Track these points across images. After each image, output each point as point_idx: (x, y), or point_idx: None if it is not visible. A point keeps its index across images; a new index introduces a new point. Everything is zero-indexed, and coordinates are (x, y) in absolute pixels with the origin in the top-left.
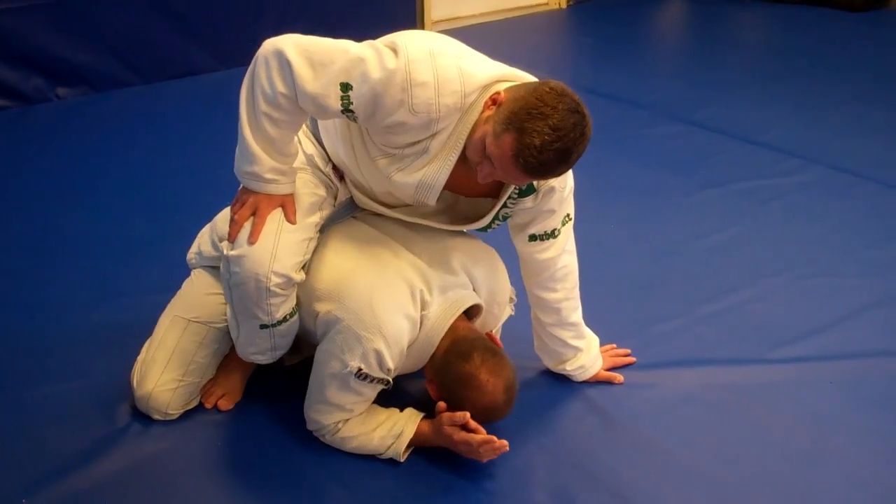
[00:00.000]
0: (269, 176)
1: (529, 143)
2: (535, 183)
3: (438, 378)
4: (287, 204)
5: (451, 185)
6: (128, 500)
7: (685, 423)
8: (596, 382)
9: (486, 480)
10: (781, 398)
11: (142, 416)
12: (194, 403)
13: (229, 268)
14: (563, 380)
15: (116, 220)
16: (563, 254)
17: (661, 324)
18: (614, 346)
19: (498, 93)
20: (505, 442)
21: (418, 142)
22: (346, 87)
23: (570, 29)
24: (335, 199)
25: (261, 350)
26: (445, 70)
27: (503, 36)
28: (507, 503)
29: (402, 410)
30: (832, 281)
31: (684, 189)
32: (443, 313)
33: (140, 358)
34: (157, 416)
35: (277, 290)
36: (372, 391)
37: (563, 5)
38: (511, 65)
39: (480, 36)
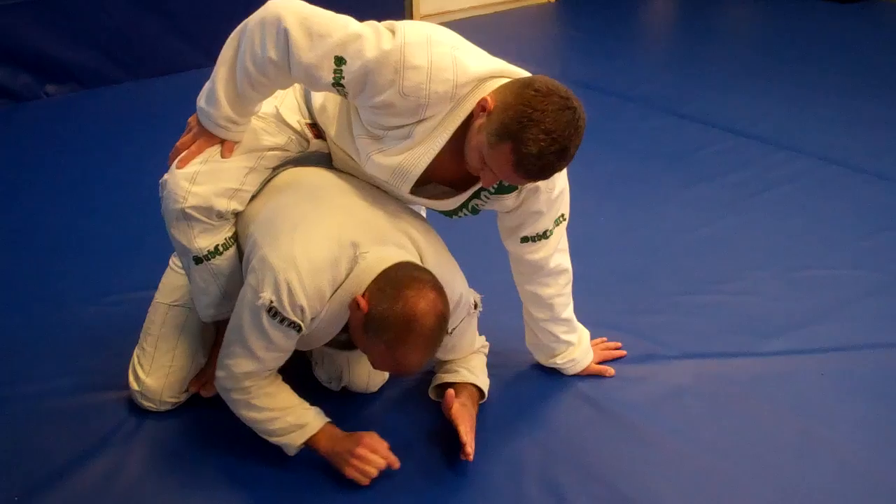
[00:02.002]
0: (221, 122)
1: (527, 152)
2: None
3: (378, 283)
4: (227, 142)
5: (429, 173)
6: (120, 498)
7: (676, 416)
8: (587, 376)
9: (477, 474)
10: (772, 390)
11: (134, 414)
12: (185, 396)
13: (160, 195)
14: (554, 373)
15: (105, 217)
16: (555, 253)
17: (651, 316)
18: (605, 339)
19: (485, 99)
20: (394, 464)
21: (404, 126)
22: (339, 60)
23: (559, 22)
24: (302, 150)
25: (213, 299)
26: (440, 57)
27: (492, 30)
28: (499, 497)
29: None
30: (822, 272)
31: (674, 182)
32: (378, 260)
33: (133, 358)
34: (152, 407)
35: (194, 214)
36: (284, 339)
37: None
38: (500, 58)
39: (469, 30)
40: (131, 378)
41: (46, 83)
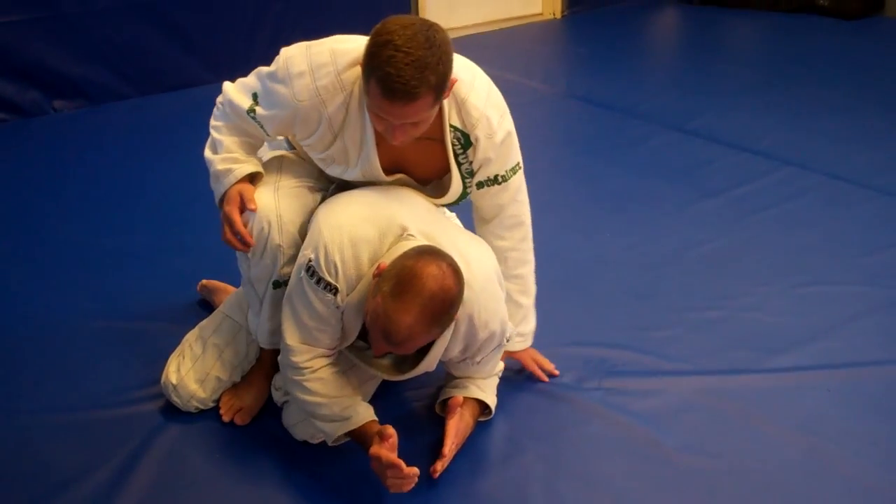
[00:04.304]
0: (221, 168)
1: (385, 74)
2: (466, 133)
3: (406, 251)
4: (244, 191)
5: (409, 172)
6: None
7: (683, 432)
8: (596, 389)
9: (481, 489)
10: (778, 406)
11: (140, 430)
12: (213, 404)
13: (258, 237)
14: (560, 387)
15: (113, 232)
16: (512, 202)
17: (657, 331)
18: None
19: (361, 64)
20: (415, 470)
21: (331, 144)
22: (255, 96)
23: (565, 39)
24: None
25: (278, 326)
26: (318, 56)
27: (498, 46)
28: None
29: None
30: (828, 289)
31: (680, 198)
32: (420, 241)
33: (179, 348)
34: (178, 403)
35: (289, 228)
36: (322, 305)
37: (558, 15)
38: (505, 75)
39: (475, 46)
40: (171, 370)
41: (54, 99)
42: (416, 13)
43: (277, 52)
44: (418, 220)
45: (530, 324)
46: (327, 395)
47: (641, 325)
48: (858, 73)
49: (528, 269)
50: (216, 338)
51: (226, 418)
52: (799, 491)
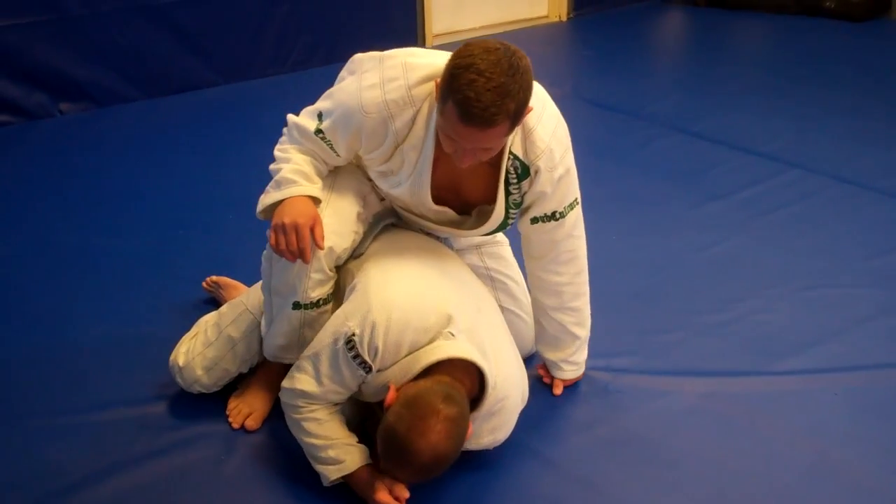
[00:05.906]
0: (289, 175)
1: (465, 97)
2: (525, 164)
3: (414, 386)
4: (318, 221)
5: (457, 194)
6: None
7: (689, 435)
8: (600, 392)
9: (485, 495)
10: (785, 410)
11: (145, 433)
12: (216, 389)
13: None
14: (564, 390)
15: (119, 235)
16: (567, 238)
17: (663, 335)
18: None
19: (435, 82)
20: None
21: (391, 156)
22: (319, 115)
23: (571, 41)
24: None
25: (288, 343)
26: (391, 70)
27: None
28: None
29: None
30: (835, 291)
31: (686, 200)
32: (450, 348)
33: (194, 330)
34: (181, 384)
35: (326, 267)
36: (350, 376)
37: (564, 18)
38: None
39: None
40: (181, 351)
41: (60, 101)
42: (422, 16)
43: (283, 54)
44: (466, 311)
45: (584, 353)
46: (323, 437)
47: (647, 328)
48: (865, 75)
49: (584, 301)
50: (232, 329)
51: (235, 425)
52: (805, 495)
